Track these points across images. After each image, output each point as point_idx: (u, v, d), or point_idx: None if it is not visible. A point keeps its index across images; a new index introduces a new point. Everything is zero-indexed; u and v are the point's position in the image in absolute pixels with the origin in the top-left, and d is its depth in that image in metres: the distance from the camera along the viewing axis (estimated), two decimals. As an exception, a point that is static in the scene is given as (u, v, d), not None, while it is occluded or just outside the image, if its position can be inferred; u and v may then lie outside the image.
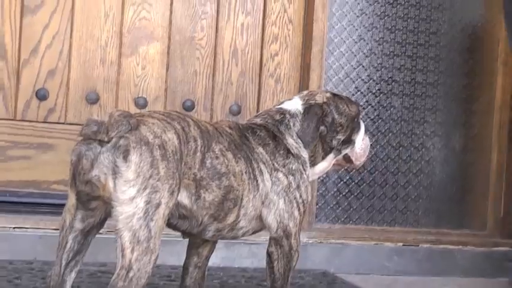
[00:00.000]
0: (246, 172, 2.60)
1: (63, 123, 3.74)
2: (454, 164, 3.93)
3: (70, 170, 2.36)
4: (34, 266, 3.28)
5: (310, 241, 3.68)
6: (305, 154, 2.75)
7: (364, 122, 3.22)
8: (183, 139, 2.43)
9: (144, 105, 3.78)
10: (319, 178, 3.76)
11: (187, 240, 2.73)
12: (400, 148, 3.92)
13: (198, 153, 2.48)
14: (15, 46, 3.68)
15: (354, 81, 3.85)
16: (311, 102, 2.82)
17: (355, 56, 3.86)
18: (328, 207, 3.85)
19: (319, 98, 2.83)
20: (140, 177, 2.27)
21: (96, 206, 2.38)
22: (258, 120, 2.78)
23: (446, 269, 3.63)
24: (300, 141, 2.74)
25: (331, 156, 2.84)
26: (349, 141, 2.85)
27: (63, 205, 3.47)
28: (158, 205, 2.29)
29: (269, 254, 2.69)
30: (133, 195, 2.26)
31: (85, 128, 2.32)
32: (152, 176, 2.29)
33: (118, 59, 3.78)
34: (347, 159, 2.88)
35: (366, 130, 2.96)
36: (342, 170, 3.59)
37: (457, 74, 3.90)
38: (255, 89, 3.91)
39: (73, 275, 2.42)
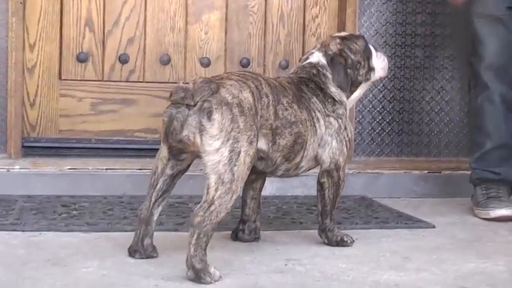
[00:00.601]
0: (308, 120, 2.68)
1: (142, 82, 3.80)
2: (468, 103, 3.86)
3: (162, 128, 2.46)
4: (123, 199, 3.40)
5: (351, 171, 3.70)
6: (344, 98, 2.81)
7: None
8: (257, 96, 2.51)
9: (208, 64, 3.83)
10: (356, 118, 3.84)
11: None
12: (423, 91, 3.93)
13: (271, 107, 2.56)
14: (100, 20, 3.75)
15: (382, 36, 3.87)
16: (329, 53, 2.82)
17: (383, 14, 3.87)
18: (364, 143, 3.89)
19: (334, 47, 2.83)
20: (223, 132, 2.36)
21: (185, 157, 2.49)
22: (303, 74, 2.81)
23: (464, 191, 3.63)
24: (339, 88, 2.80)
25: (363, 85, 2.90)
26: (370, 69, 2.88)
27: (145, 149, 3.68)
28: (239, 153, 2.37)
29: (321, 184, 2.78)
30: (219, 147, 2.35)
31: (174, 95, 2.40)
32: (233, 129, 2.37)
33: (185, 27, 3.83)
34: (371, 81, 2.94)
35: (377, 49, 2.95)
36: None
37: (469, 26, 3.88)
38: (299, 47, 3.94)
39: (160, 208, 2.55)
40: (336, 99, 2.78)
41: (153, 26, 3.82)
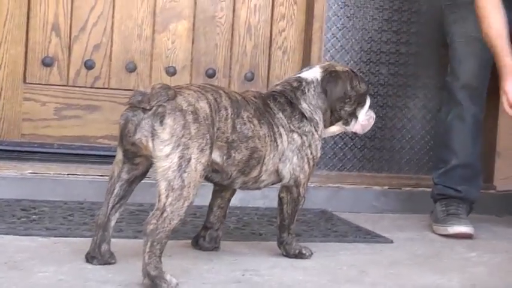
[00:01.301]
0: (268, 135, 2.67)
1: (107, 88, 3.79)
2: (431, 121, 3.95)
3: (119, 131, 2.46)
4: (84, 205, 3.38)
5: (312, 185, 3.69)
6: (318, 117, 2.78)
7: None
8: (215, 108, 2.50)
9: (174, 73, 3.83)
10: None
11: (211, 184, 2.77)
12: (387, 108, 3.95)
13: (229, 120, 2.55)
14: (67, 25, 3.74)
15: (348, 52, 3.89)
16: (332, 70, 2.83)
17: (349, 31, 3.89)
18: (327, 157, 3.89)
19: (340, 69, 2.85)
20: (174, 137, 2.35)
21: (140, 162, 2.48)
22: (278, 88, 2.81)
23: (424, 207, 3.66)
24: (313, 106, 2.77)
25: (339, 125, 2.87)
26: (353, 115, 2.86)
27: (107, 156, 3.66)
28: (189, 160, 2.36)
29: (280, 198, 2.79)
30: (169, 153, 2.34)
31: (131, 98, 2.42)
32: (184, 135, 2.36)
33: (152, 35, 3.83)
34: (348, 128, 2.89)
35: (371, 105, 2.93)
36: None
37: (434, 46, 3.93)
38: (266, 60, 3.95)
39: (117, 215, 2.54)
40: (306, 115, 2.77)
41: (120, 33, 3.81)
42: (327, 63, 2.96)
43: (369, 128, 2.94)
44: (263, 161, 2.67)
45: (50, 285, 2.28)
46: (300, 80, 2.82)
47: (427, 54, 3.91)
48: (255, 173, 2.68)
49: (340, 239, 3.16)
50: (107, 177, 2.59)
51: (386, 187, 3.90)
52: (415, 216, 3.72)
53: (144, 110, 2.38)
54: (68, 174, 3.57)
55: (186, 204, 2.37)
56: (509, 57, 3.15)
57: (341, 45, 3.91)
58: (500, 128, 4.01)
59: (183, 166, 2.35)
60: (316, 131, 2.79)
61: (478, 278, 2.72)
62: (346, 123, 2.87)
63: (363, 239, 3.19)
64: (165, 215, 2.33)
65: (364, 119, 2.89)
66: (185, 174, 2.35)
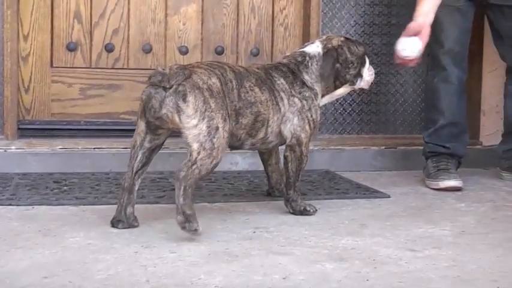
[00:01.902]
0: (269, 100, 2.72)
1: (126, 69, 3.78)
2: (422, 85, 3.92)
3: (140, 105, 2.53)
4: (110, 176, 3.41)
5: (316, 148, 3.73)
6: (317, 87, 2.83)
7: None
8: (223, 81, 2.59)
9: (186, 52, 3.81)
10: None
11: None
12: (381, 75, 3.91)
13: (235, 90, 2.62)
14: (87, 12, 3.72)
15: (343, 26, 3.86)
16: (329, 46, 2.86)
17: (344, 6, 3.86)
18: (328, 122, 3.89)
19: (335, 42, 2.88)
20: (198, 112, 2.44)
21: (162, 133, 2.55)
22: (284, 60, 2.87)
23: (417, 164, 3.65)
24: (314, 77, 2.82)
25: (347, 86, 2.92)
26: (359, 74, 2.90)
27: (130, 130, 3.63)
28: (217, 128, 2.46)
29: (285, 157, 2.81)
30: (196, 123, 2.44)
31: (152, 77, 2.49)
32: (207, 110, 2.46)
33: (165, 18, 3.80)
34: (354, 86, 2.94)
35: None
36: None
37: None
38: (269, 36, 3.92)
39: (139, 180, 2.58)
40: (306, 84, 2.81)
41: (135, 18, 3.79)
42: (325, 37, 2.96)
43: (371, 81, 2.98)
44: (267, 123, 2.72)
45: (80, 248, 2.30)
46: (304, 55, 2.87)
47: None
48: (261, 135, 2.73)
49: (342, 196, 3.17)
50: (130, 149, 2.61)
51: (383, 147, 3.89)
52: (409, 173, 3.71)
53: (165, 89, 2.46)
54: (94, 148, 3.58)
55: (214, 162, 2.47)
56: (419, 17, 3.19)
57: (337, 20, 3.88)
58: (485, 88, 3.98)
59: (212, 133, 2.46)
60: (315, 98, 2.82)
61: (467, 226, 2.72)
62: (353, 83, 2.92)
63: (362, 195, 3.19)
64: (194, 166, 2.43)
65: (368, 74, 2.93)
66: (215, 140, 2.46)
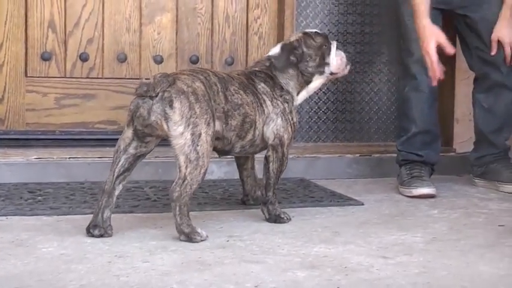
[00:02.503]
0: (254, 102, 2.78)
1: (101, 78, 3.80)
2: (395, 93, 3.95)
3: (128, 115, 2.58)
4: (85, 185, 3.39)
5: (291, 156, 3.57)
6: (290, 87, 2.88)
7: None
8: (207, 85, 2.63)
9: (161, 61, 3.84)
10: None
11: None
12: (355, 83, 3.97)
13: (220, 93, 2.67)
14: (62, 22, 3.74)
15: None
16: (286, 42, 2.95)
17: (317, 15, 3.91)
18: (303, 130, 3.93)
19: (292, 38, 2.95)
20: (184, 118, 2.50)
21: (150, 140, 2.59)
22: (256, 68, 2.91)
23: (392, 172, 3.67)
24: (286, 78, 2.88)
25: (317, 78, 2.93)
26: (322, 63, 2.91)
27: (105, 139, 3.69)
28: (200, 134, 2.51)
29: (267, 158, 2.85)
30: (182, 131, 2.49)
31: (138, 89, 2.55)
32: (192, 116, 2.51)
33: (139, 28, 3.83)
34: (330, 74, 2.95)
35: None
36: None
37: (395, 25, 3.81)
38: (244, 45, 3.96)
39: (120, 186, 2.61)
40: (284, 87, 2.87)
41: (110, 27, 3.82)
42: (286, 39, 3.03)
43: (344, 66, 2.97)
44: (255, 125, 2.78)
45: (53, 258, 2.31)
46: (269, 59, 2.93)
47: (389, 32, 3.91)
48: (249, 136, 2.79)
49: (316, 203, 3.19)
50: (105, 159, 2.66)
51: (358, 155, 3.90)
52: (384, 180, 3.74)
53: (152, 97, 2.52)
54: (69, 158, 3.57)
55: (203, 171, 2.54)
56: (426, 18, 3.23)
57: (310, 29, 3.86)
58: (457, 96, 4.03)
59: (196, 141, 2.51)
60: (293, 101, 2.90)
61: (439, 232, 2.75)
62: (320, 73, 2.93)
63: (336, 202, 3.22)
64: (186, 182, 2.50)
65: (336, 59, 2.94)
66: (198, 147, 2.52)
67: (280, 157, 2.84)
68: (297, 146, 3.89)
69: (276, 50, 2.95)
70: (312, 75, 2.92)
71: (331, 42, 2.96)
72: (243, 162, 3.05)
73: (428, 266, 2.32)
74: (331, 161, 3.85)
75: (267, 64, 2.91)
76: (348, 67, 3.01)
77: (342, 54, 2.98)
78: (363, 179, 3.81)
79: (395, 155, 3.67)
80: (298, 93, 2.94)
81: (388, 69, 4.01)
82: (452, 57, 3.93)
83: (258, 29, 3.98)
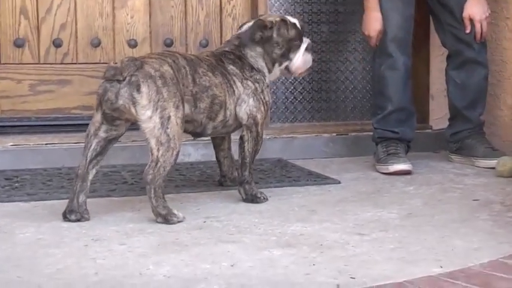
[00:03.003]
0: (223, 83, 2.79)
1: (75, 63, 3.78)
2: (370, 71, 3.93)
3: (97, 99, 2.59)
4: (62, 171, 3.40)
5: (268, 137, 3.74)
6: (261, 64, 2.90)
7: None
8: (175, 68, 2.64)
9: (135, 45, 3.82)
10: (271, 89, 3.85)
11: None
12: (330, 63, 3.97)
13: (189, 76, 2.68)
14: (34, 8, 3.71)
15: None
16: (260, 19, 2.96)
17: (291, -5, 3.92)
18: (279, 111, 3.94)
19: (269, 18, 2.95)
20: (151, 102, 2.52)
21: (119, 124, 2.61)
22: (226, 48, 2.93)
23: (368, 150, 3.70)
24: (254, 55, 2.88)
25: (277, 68, 2.95)
26: (286, 56, 2.93)
27: (81, 124, 3.67)
28: (169, 117, 2.53)
29: (241, 138, 2.88)
30: (150, 115, 2.51)
31: (106, 72, 2.56)
32: (159, 100, 2.53)
33: (112, 12, 3.81)
34: (288, 70, 2.97)
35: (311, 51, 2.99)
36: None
37: None
38: (218, 27, 3.95)
39: (94, 171, 2.62)
40: (254, 66, 2.88)
41: (83, 12, 3.80)
42: (264, 15, 3.04)
43: (304, 69, 2.98)
44: (225, 106, 2.80)
45: (30, 243, 2.32)
46: (239, 37, 2.94)
47: (363, 11, 3.90)
48: (220, 117, 2.80)
49: (293, 183, 3.21)
50: (81, 144, 2.65)
51: (334, 134, 3.92)
52: (360, 159, 3.77)
53: (119, 81, 2.53)
54: (46, 144, 3.58)
55: (175, 153, 2.55)
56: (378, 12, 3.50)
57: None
58: (432, 73, 4.05)
59: (165, 124, 2.52)
60: (264, 79, 2.90)
61: (414, 208, 2.78)
62: (280, 64, 2.93)
63: (313, 182, 3.24)
64: (158, 164, 2.52)
65: (300, 59, 2.94)
66: (168, 130, 2.53)
67: (254, 136, 2.86)
68: (274, 126, 3.91)
69: (247, 26, 2.96)
70: (273, 62, 2.93)
71: (304, 40, 2.96)
72: (219, 142, 3.07)
73: (404, 241, 2.35)
74: (308, 141, 3.87)
75: (236, 43, 2.92)
76: (306, 71, 3.04)
77: (309, 57, 2.98)
78: (340, 158, 3.83)
79: (371, 133, 3.70)
80: (269, 71, 2.94)
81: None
82: (426, 34, 3.98)
83: (232, 10, 3.97)
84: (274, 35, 2.90)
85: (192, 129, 2.77)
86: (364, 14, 3.54)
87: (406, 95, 3.56)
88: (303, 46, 2.95)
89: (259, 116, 2.86)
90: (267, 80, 2.93)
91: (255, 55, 2.90)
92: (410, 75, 3.56)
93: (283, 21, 2.94)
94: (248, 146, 2.87)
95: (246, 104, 2.84)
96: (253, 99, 2.85)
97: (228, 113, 2.82)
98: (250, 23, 2.96)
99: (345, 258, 2.17)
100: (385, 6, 3.45)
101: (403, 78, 3.52)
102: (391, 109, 3.55)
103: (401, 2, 3.48)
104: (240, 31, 2.99)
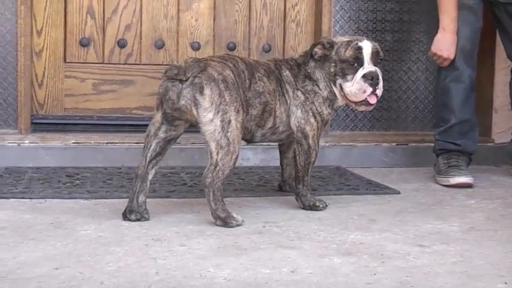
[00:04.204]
0: (277, 90, 2.78)
1: (138, 64, 3.82)
2: (433, 82, 3.91)
3: (157, 98, 2.59)
4: (122, 170, 3.44)
5: (327, 144, 3.75)
6: (318, 75, 2.82)
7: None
8: (236, 72, 2.64)
9: (198, 48, 3.85)
10: None
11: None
12: (392, 72, 3.94)
13: (247, 81, 2.68)
14: (100, 8, 3.77)
15: (355, 22, 3.88)
16: (330, 38, 2.93)
17: (356, 2, 3.88)
18: (339, 119, 3.91)
19: (339, 38, 2.87)
20: (213, 105, 2.51)
21: (179, 124, 2.61)
22: (297, 55, 2.92)
23: (428, 161, 3.66)
24: (314, 67, 2.83)
25: (333, 86, 2.83)
26: (340, 76, 2.81)
27: (142, 125, 3.71)
28: (230, 121, 2.53)
29: (294, 151, 2.87)
30: (212, 118, 2.51)
31: (168, 71, 2.56)
32: (221, 103, 2.52)
33: (177, 14, 3.84)
34: (344, 93, 2.82)
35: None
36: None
37: (434, 13, 3.76)
38: (281, 32, 3.95)
39: (153, 171, 2.63)
40: (311, 76, 2.84)
41: (148, 14, 3.83)
42: (357, 37, 2.93)
43: (359, 98, 2.81)
44: (274, 113, 2.77)
45: (91, 241, 2.33)
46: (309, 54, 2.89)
47: (428, 21, 3.87)
48: (269, 124, 2.78)
49: (352, 191, 3.19)
50: (141, 144, 2.65)
51: (394, 144, 3.89)
52: (420, 169, 3.73)
53: (182, 81, 2.53)
54: (106, 143, 3.62)
55: (234, 156, 2.54)
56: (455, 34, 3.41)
57: (349, 16, 3.91)
58: (496, 86, 3.98)
59: (226, 127, 2.52)
60: (320, 90, 2.83)
61: (476, 222, 2.73)
62: (334, 83, 2.83)
63: (372, 191, 3.21)
64: (217, 168, 2.51)
65: (353, 85, 2.80)
66: (229, 134, 2.52)
67: (306, 149, 2.83)
68: (334, 134, 3.88)
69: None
70: (329, 81, 2.84)
71: (367, 67, 2.79)
72: (285, 149, 3.05)
73: (466, 255, 2.31)
74: (368, 150, 3.85)
75: (308, 55, 2.87)
76: (370, 104, 2.84)
77: (367, 87, 2.79)
78: (399, 168, 3.79)
79: (431, 144, 3.65)
80: (331, 84, 2.84)
81: (426, 57, 3.95)
82: (492, 46, 3.91)
83: (296, 16, 3.97)
84: (333, 53, 2.83)
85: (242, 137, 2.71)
86: (439, 34, 3.43)
87: (470, 107, 3.51)
88: (361, 72, 2.79)
89: (308, 128, 2.81)
90: (323, 91, 2.83)
91: (313, 66, 2.85)
92: (474, 88, 3.50)
93: (349, 42, 2.83)
94: (300, 160, 2.84)
95: (294, 116, 2.81)
96: (301, 110, 2.81)
97: (277, 120, 2.79)
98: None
99: (406, 270, 2.14)
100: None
101: (467, 90, 3.47)
102: (454, 122, 3.49)
103: (473, 15, 3.42)
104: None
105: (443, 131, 3.53)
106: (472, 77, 3.47)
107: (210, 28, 3.89)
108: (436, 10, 3.43)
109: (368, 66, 2.80)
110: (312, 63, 2.86)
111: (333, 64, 2.84)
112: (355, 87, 2.81)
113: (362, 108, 2.88)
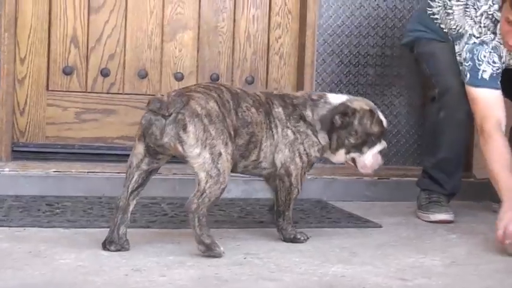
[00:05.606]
0: (264, 123, 2.72)
1: (121, 94, 3.81)
2: (415, 116, 3.94)
3: (139, 129, 2.54)
4: (103, 200, 3.40)
5: (309, 177, 3.61)
6: (315, 123, 2.77)
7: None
8: (221, 103, 2.59)
9: (181, 79, 3.84)
10: None
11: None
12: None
13: (232, 110, 2.63)
14: (84, 37, 3.77)
15: (338, 56, 3.89)
16: (349, 104, 2.79)
17: (339, 36, 3.89)
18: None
19: (356, 105, 2.79)
20: (199, 141, 2.47)
21: (162, 158, 2.57)
22: (297, 94, 2.87)
23: (410, 195, 3.62)
24: (316, 117, 2.76)
25: (342, 150, 2.81)
26: (359, 149, 2.80)
27: (124, 155, 3.66)
28: (220, 154, 2.50)
29: (275, 186, 2.82)
30: (199, 152, 2.48)
31: (151, 104, 2.50)
32: (207, 138, 2.48)
33: (161, 44, 3.85)
34: (353, 163, 2.83)
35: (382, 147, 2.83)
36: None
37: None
38: (264, 64, 3.96)
39: (134, 202, 2.59)
40: (306, 119, 2.78)
41: (132, 44, 3.83)
42: (359, 98, 2.90)
43: (370, 170, 2.85)
44: (260, 146, 2.72)
45: (70, 270, 2.30)
46: (322, 97, 2.84)
47: (409, 56, 3.86)
48: (253, 157, 2.73)
49: (333, 224, 3.17)
50: (123, 174, 2.62)
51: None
52: (402, 204, 3.72)
53: (164, 116, 2.48)
54: (88, 172, 3.60)
55: (222, 187, 2.52)
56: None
57: (332, 50, 3.91)
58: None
59: (216, 159, 2.49)
60: (313, 133, 2.78)
61: (457, 256, 2.72)
62: (348, 152, 2.81)
63: (354, 224, 3.20)
64: (204, 195, 2.49)
65: (369, 159, 2.81)
66: (219, 165, 2.50)
67: (287, 186, 2.79)
68: (315, 167, 3.70)
69: (337, 98, 2.83)
70: (342, 147, 2.80)
71: (382, 142, 2.83)
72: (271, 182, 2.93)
73: (447, 289, 2.29)
74: (349, 183, 3.84)
75: (313, 97, 2.81)
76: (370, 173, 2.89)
77: (380, 160, 2.83)
78: (381, 202, 3.78)
79: (414, 178, 3.64)
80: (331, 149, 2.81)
81: (408, 92, 3.97)
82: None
83: (279, 48, 3.98)
84: (355, 123, 2.77)
85: None
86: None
87: (462, 145, 3.44)
88: (379, 146, 2.82)
89: (292, 167, 2.77)
90: (317, 136, 2.78)
91: (316, 117, 2.78)
92: (468, 124, 3.41)
93: (371, 112, 2.81)
94: (281, 195, 2.80)
95: (281, 154, 2.76)
96: (289, 149, 2.76)
97: (262, 154, 2.73)
98: (339, 96, 2.84)
99: (388, 303, 2.12)
100: (443, 60, 3.35)
101: (463, 128, 3.38)
102: (444, 158, 3.39)
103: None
104: (325, 93, 2.89)
105: (432, 167, 3.44)
106: (468, 112, 3.27)
107: (194, 59, 3.89)
108: None
109: (383, 142, 2.84)
110: (318, 114, 2.78)
111: (354, 134, 2.78)
112: (370, 160, 2.81)
113: (367, 173, 2.93)
